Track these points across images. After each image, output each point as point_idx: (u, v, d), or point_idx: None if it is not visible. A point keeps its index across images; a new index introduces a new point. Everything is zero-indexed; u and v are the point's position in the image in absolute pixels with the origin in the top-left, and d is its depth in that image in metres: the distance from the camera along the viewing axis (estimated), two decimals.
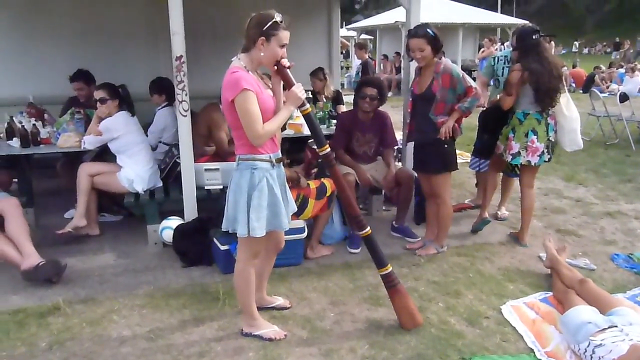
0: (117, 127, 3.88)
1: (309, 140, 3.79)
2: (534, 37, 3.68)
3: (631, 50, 25.79)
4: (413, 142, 3.91)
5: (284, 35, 2.40)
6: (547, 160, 3.81)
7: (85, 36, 5.33)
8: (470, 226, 4.27)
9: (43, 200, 4.78)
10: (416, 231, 4.18)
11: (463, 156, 6.65)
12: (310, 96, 5.19)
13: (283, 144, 3.72)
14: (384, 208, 4.78)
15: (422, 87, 3.57)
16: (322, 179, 3.76)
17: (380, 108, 4.15)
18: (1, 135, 4.18)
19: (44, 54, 5.31)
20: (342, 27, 20.93)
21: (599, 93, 8.34)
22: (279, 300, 3.09)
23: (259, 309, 2.98)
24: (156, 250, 3.90)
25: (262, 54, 2.39)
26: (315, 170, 3.82)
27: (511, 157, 3.80)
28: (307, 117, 2.57)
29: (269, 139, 2.46)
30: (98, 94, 3.90)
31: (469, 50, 17.96)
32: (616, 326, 2.49)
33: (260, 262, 2.87)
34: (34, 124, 4.04)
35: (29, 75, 5.24)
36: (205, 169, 3.99)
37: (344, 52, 14.13)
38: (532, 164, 3.77)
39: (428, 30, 3.42)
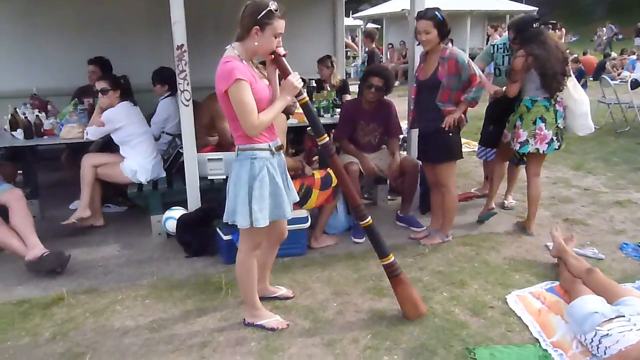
0: (119, 118, 3.86)
1: (308, 128, 3.75)
2: (534, 25, 3.62)
3: (604, 37, 25.13)
4: (417, 131, 3.86)
5: (279, 24, 2.35)
6: (557, 148, 3.74)
7: (89, 27, 5.30)
8: (477, 216, 4.22)
9: (48, 191, 4.79)
10: (421, 221, 4.14)
11: (470, 145, 6.59)
12: (314, 85, 5.13)
13: (288, 134, 3.68)
14: (389, 197, 4.74)
15: (427, 74, 3.51)
16: (328, 169, 3.73)
17: (387, 97, 4.10)
18: (5, 127, 4.18)
19: (46, 46, 5.29)
20: (348, 15, 20.82)
21: (609, 80, 8.20)
22: (282, 290, 3.07)
23: (261, 299, 2.96)
24: (160, 241, 3.89)
25: (256, 44, 2.35)
26: (316, 157, 3.78)
27: (519, 145, 3.73)
28: (305, 107, 2.52)
29: (265, 129, 2.42)
30: (99, 85, 3.89)
31: (477, 38, 17.73)
32: (624, 316, 2.44)
33: (262, 253, 2.85)
34: (37, 115, 4.04)
35: (32, 68, 5.22)
36: (208, 159, 3.96)
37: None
38: (541, 151, 3.70)
39: (437, 13, 3.35)
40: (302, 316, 2.87)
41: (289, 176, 2.67)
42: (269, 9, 2.31)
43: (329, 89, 5.25)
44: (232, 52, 2.38)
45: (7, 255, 3.52)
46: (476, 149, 5.14)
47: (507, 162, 4.36)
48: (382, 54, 18.18)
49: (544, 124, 3.65)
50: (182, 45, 3.57)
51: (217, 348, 2.60)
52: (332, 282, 3.23)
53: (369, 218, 2.73)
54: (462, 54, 3.42)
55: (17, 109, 4.17)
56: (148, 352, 2.58)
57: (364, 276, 3.29)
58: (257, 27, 2.31)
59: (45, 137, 4.05)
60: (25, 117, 3.98)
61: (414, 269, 3.38)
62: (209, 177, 3.99)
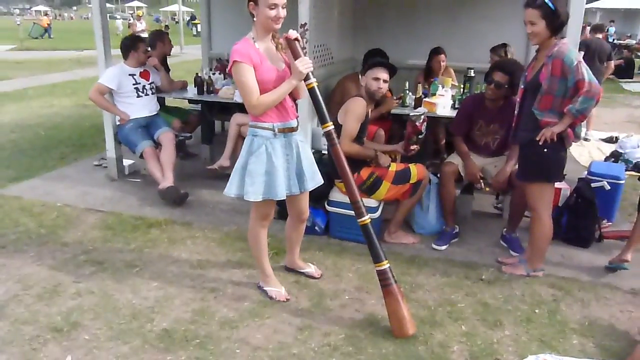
0: None
1: (410, 114, 3.53)
2: None
3: None
4: None
5: None
6: None
7: None
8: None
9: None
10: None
11: None
12: (472, 75, 4.67)
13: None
14: None
15: (533, 73, 2.93)
16: (411, 164, 3.52)
17: None
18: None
19: None
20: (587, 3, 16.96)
21: None
22: (310, 268, 3.16)
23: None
24: None
25: (255, 19, 2.44)
26: (415, 147, 3.54)
27: None
28: (311, 92, 2.51)
29: (268, 109, 2.51)
30: None
31: None
32: None
33: (287, 228, 3.05)
34: (209, 76, 4.89)
35: None
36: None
37: None
38: None
39: (547, 1, 2.72)
40: (308, 297, 2.93)
41: (306, 159, 2.71)
42: None
43: None
44: (249, 33, 2.54)
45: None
46: None
47: None
48: None
49: None
50: (305, 24, 3.81)
51: (220, 297, 2.91)
52: (366, 277, 3.14)
53: (367, 217, 2.58)
54: (572, 53, 2.71)
55: (203, 70, 5.11)
56: (174, 281, 3.07)
57: (402, 281, 3.07)
58: (252, 2, 2.41)
59: (212, 94, 4.88)
60: (200, 77, 4.86)
61: (462, 293, 2.99)
62: (323, 152, 4.21)
